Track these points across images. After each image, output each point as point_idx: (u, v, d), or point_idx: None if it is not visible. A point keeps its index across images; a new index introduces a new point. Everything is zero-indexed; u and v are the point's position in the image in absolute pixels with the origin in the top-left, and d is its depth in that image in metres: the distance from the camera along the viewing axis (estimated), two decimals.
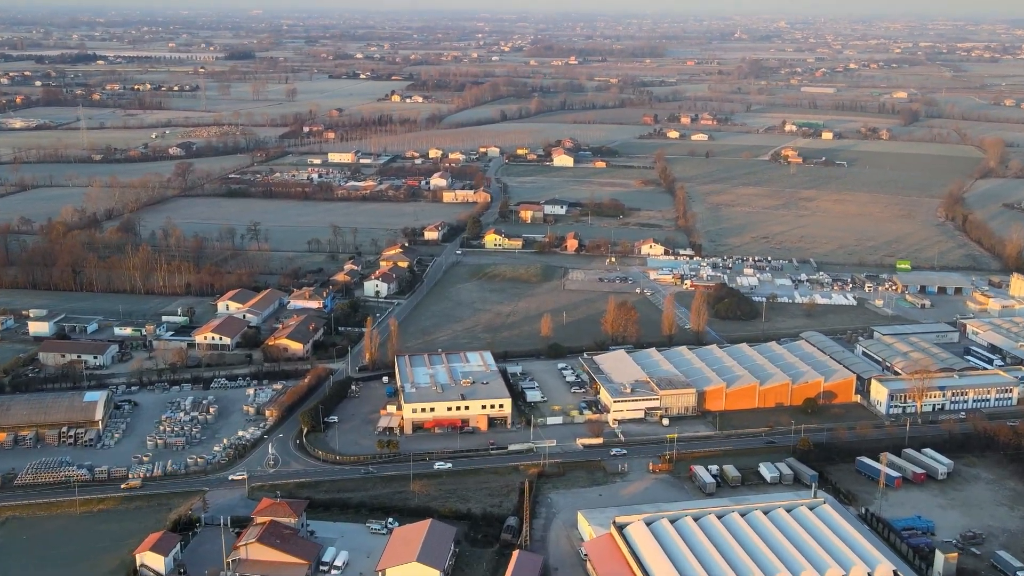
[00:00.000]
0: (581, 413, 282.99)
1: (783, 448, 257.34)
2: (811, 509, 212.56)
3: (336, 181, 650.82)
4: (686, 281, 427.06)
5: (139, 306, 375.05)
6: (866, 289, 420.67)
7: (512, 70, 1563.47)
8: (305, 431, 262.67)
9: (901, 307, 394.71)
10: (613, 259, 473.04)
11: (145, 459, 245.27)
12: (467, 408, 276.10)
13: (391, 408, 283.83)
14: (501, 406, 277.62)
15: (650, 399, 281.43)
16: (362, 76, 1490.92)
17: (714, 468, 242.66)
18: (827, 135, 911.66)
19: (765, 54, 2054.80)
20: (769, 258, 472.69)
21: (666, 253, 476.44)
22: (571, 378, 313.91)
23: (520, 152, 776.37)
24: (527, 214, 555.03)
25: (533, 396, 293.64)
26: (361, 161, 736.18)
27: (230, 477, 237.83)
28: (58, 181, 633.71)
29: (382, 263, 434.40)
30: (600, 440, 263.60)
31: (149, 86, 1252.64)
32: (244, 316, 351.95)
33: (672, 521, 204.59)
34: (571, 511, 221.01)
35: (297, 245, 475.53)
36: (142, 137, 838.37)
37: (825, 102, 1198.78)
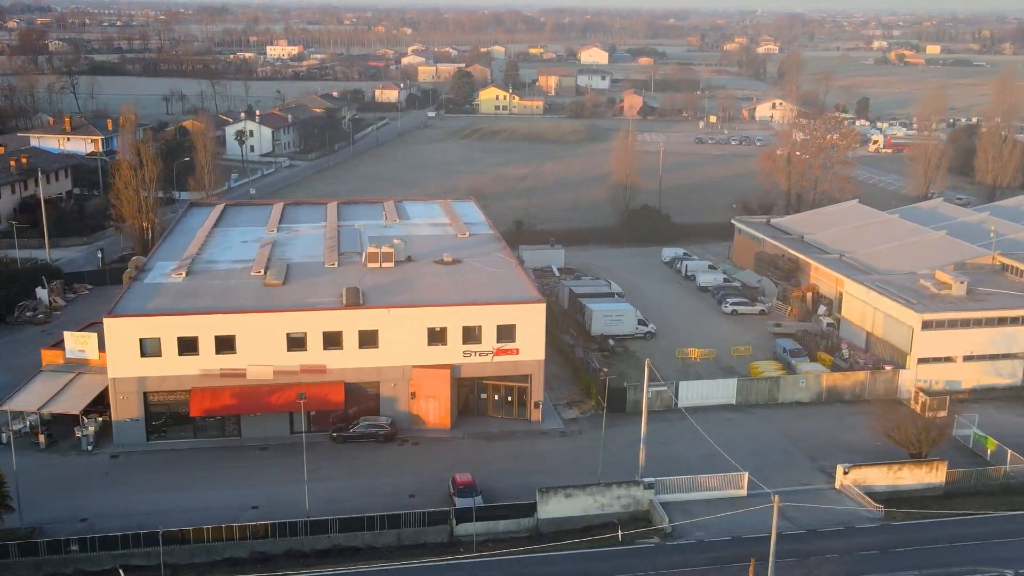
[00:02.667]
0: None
1: None
2: None
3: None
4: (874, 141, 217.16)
5: None
6: None
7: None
8: None
9: None
10: (714, 118, 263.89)
11: None
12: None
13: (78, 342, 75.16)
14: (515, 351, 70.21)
15: None
16: None
17: None
18: (933, 48, 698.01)
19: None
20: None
21: None
22: (710, 280, 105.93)
23: (534, 51, 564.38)
24: (550, 81, 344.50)
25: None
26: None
27: None
28: None
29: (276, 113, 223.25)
30: None
31: None
32: None
33: None
34: None
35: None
36: None
37: (905, 31, 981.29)
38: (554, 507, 61.02)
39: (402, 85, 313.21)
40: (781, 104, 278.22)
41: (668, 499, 62.22)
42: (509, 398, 76.91)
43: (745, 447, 72.41)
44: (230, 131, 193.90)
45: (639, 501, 62.13)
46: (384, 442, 72.10)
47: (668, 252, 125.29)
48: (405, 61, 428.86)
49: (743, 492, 63.80)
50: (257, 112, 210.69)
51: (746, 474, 64.44)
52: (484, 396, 77.14)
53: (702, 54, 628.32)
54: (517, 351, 74.63)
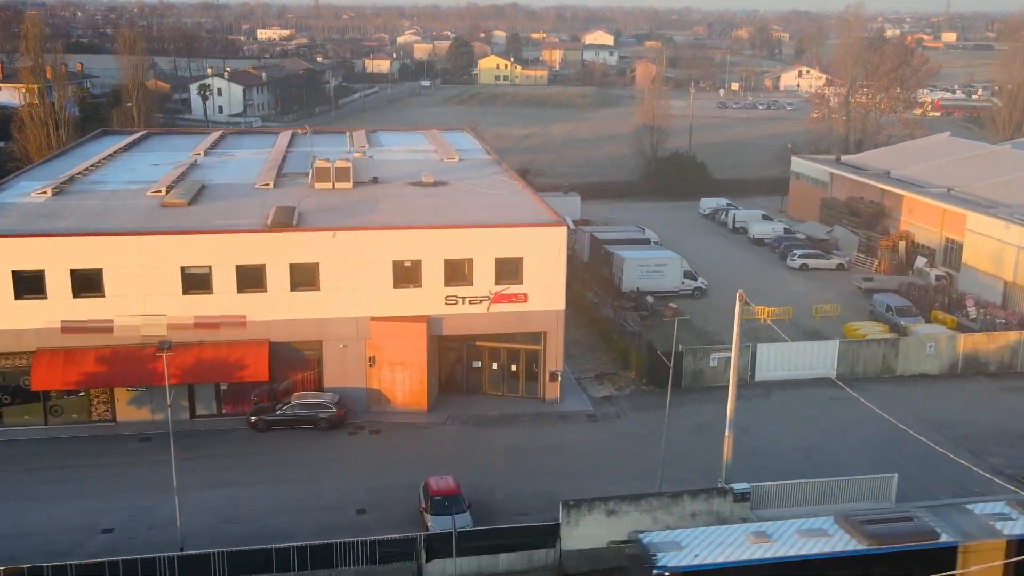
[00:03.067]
0: None
1: None
2: None
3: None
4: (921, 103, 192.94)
5: None
6: None
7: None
8: None
9: None
10: (736, 85, 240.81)
11: None
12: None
13: None
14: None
15: None
16: None
17: None
18: (949, 35, 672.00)
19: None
20: None
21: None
22: (766, 230, 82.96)
23: (536, 36, 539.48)
24: (554, 55, 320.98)
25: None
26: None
27: None
28: None
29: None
30: None
31: None
32: None
33: None
34: None
35: None
36: None
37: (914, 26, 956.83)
38: (587, 530, 37.34)
39: (395, 55, 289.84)
40: (808, 72, 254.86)
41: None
42: (514, 367, 53.26)
43: (862, 436, 48.72)
44: (194, 88, 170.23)
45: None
46: (328, 429, 48.52)
47: (708, 203, 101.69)
48: (401, 40, 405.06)
49: (890, 504, 40.03)
50: (227, 68, 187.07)
51: (894, 477, 40.68)
52: (478, 364, 53.48)
53: (710, 41, 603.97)
54: (525, 297, 50.98)
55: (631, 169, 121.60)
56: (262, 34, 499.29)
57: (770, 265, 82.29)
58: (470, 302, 50.52)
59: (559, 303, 51.49)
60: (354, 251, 49.05)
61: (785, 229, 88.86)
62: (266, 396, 50.20)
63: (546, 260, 50.72)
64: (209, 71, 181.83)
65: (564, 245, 51.28)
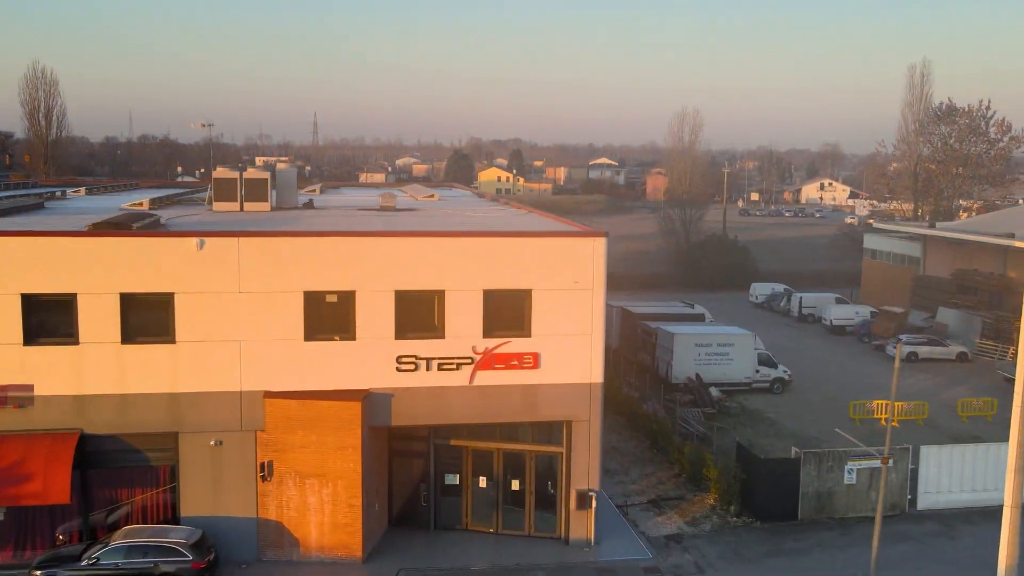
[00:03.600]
0: None
1: None
2: None
3: None
4: None
5: None
6: None
7: None
8: None
9: None
10: (756, 195, 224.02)
11: None
12: None
13: None
14: None
15: None
16: None
17: None
18: None
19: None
20: None
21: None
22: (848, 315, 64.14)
23: (538, 164, 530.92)
24: (559, 172, 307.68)
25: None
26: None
27: None
28: None
29: None
30: None
31: None
32: None
33: None
34: None
35: None
36: None
37: None
38: None
39: (390, 169, 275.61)
40: (831, 185, 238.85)
41: None
42: (516, 483, 31.46)
43: None
44: None
45: None
46: None
47: (761, 288, 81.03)
48: (400, 162, 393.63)
49: None
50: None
51: None
52: (453, 479, 31.70)
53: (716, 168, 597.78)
54: (535, 360, 29.67)
55: (658, 262, 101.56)
56: (259, 160, 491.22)
57: (863, 356, 60.93)
58: (441, 367, 29.22)
59: (594, 371, 30.17)
60: (237, 275, 28.12)
61: (872, 313, 67.90)
62: (78, 534, 28.36)
63: (572, 296, 29.72)
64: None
65: (602, 272, 30.29)
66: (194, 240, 27.72)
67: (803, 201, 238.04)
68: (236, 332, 28.13)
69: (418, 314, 29.24)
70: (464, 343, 29.24)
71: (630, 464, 38.79)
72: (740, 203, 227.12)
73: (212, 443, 28.29)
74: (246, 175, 39.14)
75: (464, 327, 29.22)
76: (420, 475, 31.75)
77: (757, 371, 50.39)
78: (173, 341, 27.84)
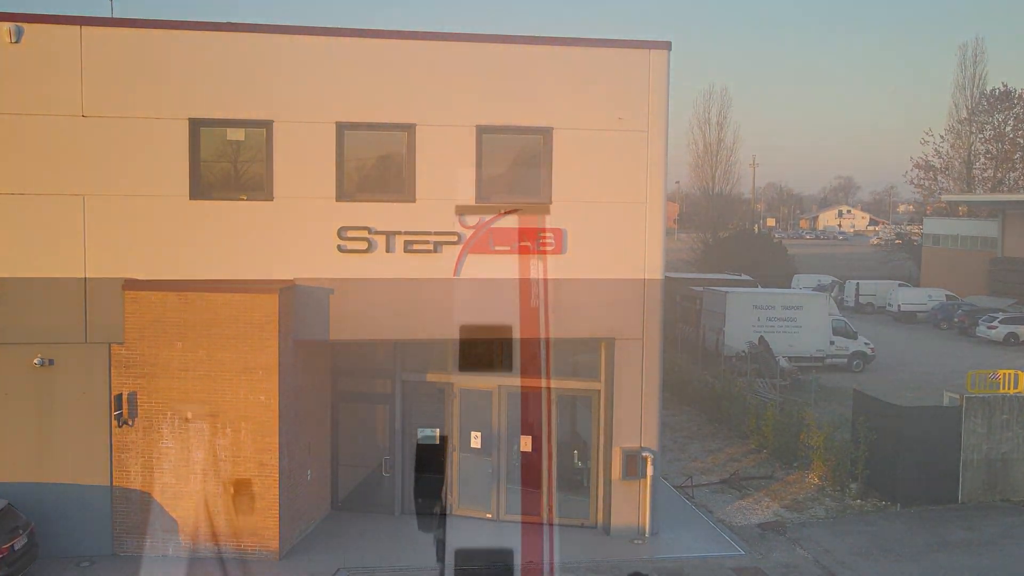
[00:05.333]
0: None
1: None
2: None
3: None
4: None
5: None
6: None
7: None
8: None
9: None
10: (772, 221, 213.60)
11: None
12: None
13: None
14: None
15: None
16: None
17: None
18: None
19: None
20: None
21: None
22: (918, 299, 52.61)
23: None
24: None
25: None
26: None
27: None
28: None
29: None
30: None
31: None
32: None
33: None
34: None
35: None
36: None
37: None
38: None
39: None
40: (850, 212, 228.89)
41: None
42: (526, 443, 20.50)
43: None
44: None
45: None
46: None
47: (806, 280, 69.98)
48: None
49: None
50: None
51: None
52: (429, 433, 20.69)
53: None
54: (558, 241, 19.00)
55: (678, 262, 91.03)
56: None
57: (948, 339, 50.08)
58: (410, 247, 18.43)
59: (650, 262, 19.36)
60: (79, 88, 17.44)
61: (947, 295, 57.09)
62: None
63: (615, 142, 19.04)
64: None
65: (664, 105, 19.61)
66: (6, 26, 17.18)
67: (820, 228, 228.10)
68: (77, 182, 17.46)
69: (374, 162, 18.63)
70: (446, 210, 18.47)
71: (686, 440, 27.80)
72: (757, 229, 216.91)
73: (36, 362, 17.47)
74: None
75: (446, 185, 18.45)
76: (381, 430, 20.88)
77: (832, 343, 39.46)
78: None
